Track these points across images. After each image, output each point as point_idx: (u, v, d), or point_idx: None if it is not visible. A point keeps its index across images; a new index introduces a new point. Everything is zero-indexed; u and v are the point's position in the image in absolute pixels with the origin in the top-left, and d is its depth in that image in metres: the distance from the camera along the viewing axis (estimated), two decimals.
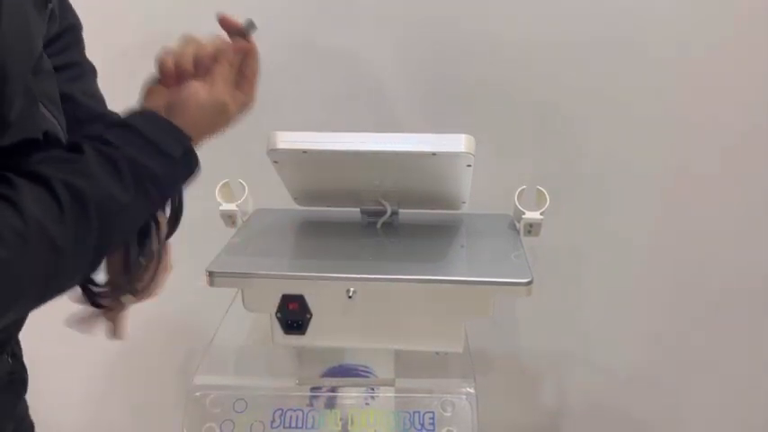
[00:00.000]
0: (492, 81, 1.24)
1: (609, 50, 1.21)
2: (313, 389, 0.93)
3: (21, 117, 0.55)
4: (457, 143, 0.87)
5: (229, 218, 1.04)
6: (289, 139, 0.90)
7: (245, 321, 0.83)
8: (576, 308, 1.38)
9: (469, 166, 0.91)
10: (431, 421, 0.83)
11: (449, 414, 0.83)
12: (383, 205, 1.03)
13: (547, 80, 1.24)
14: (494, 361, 1.39)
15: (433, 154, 0.88)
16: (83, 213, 0.56)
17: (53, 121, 0.63)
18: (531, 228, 1.00)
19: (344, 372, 0.98)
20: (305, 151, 0.90)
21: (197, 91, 0.68)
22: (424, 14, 1.21)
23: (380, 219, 1.04)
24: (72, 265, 0.57)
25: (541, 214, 0.99)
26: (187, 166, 0.66)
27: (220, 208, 1.02)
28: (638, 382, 1.42)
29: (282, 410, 0.85)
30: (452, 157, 0.89)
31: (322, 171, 0.99)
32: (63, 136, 0.65)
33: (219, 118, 0.71)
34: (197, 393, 0.84)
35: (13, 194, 0.52)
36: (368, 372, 0.98)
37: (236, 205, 1.03)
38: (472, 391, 0.85)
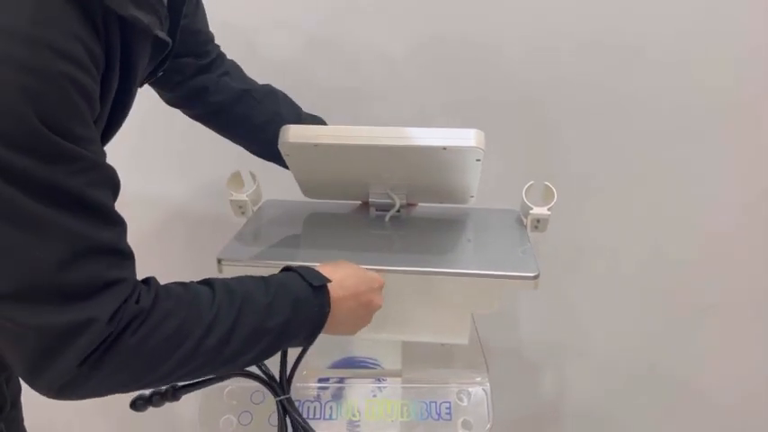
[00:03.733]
0: (501, 78, 1.25)
1: (615, 49, 1.23)
2: (321, 380, 0.94)
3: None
4: (467, 138, 0.88)
5: (239, 208, 1.04)
6: (300, 133, 0.91)
7: None
8: (576, 302, 1.39)
9: (479, 160, 0.92)
10: (447, 410, 0.84)
11: (465, 404, 0.85)
12: (392, 198, 1.04)
13: (555, 78, 1.25)
14: (494, 354, 1.41)
15: (444, 148, 0.89)
16: (230, 298, 0.66)
17: None
18: (539, 223, 1.01)
19: (352, 364, 0.99)
20: (316, 145, 0.91)
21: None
22: (434, 11, 1.22)
23: (389, 212, 1.05)
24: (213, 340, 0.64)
25: (549, 210, 1.00)
26: (320, 297, 0.73)
27: (230, 198, 1.03)
28: (637, 376, 1.45)
29: (300, 402, 0.86)
30: (462, 151, 0.90)
31: (332, 164, 0.99)
32: None
33: (363, 318, 0.81)
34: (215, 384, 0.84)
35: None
36: (375, 364, 0.99)
37: (246, 195, 1.03)
38: (487, 381, 0.86)
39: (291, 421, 0.80)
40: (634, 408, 1.47)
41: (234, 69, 1.04)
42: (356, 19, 1.23)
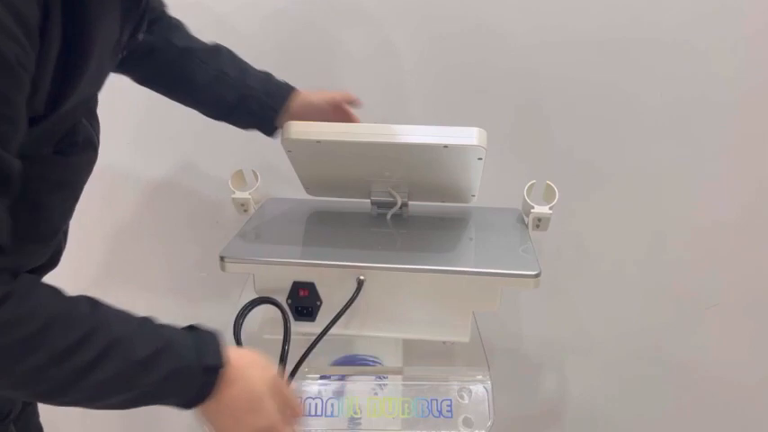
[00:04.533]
0: (503, 76, 1.26)
1: (617, 48, 1.23)
2: (322, 377, 0.94)
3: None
4: (469, 136, 0.89)
5: (242, 206, 1.04)
6: (303, 130, 0.91)
7: (255, 312, 0.84)
8: (577, 301, 1.40)
9: (480, 159, 0.92)
10: (448, 408, 0.84)
11: (466, 401, 0.85)
12: (393, 197, 1.04)
13: (557, 76, 1.25)
14: (496, 352, 1.41)
15: (445, 146, 0.89)
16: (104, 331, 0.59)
17: (90, 131, 0.72)
18: (540, 222, 1.01)
19: (353, 361, 1.00)
20: (318, 141, 0.91)
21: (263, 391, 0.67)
22: (437, 9, 1.22)
23: (390, 210, 1.06)
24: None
25: (550, 209, 1.00)
26: (208, 377, 0.63)
27: (233, 196, 1.03)
28: (639, 375, 1.45)
29: (301, 399, 0.86)
30: (464, 149, 0.90)
31: (334, 161, 0.99)
32: (96, 141, 0.74)
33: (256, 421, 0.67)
34: None
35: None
36: (377, 362, 0.99)
37: (249, 194, 1.04)
38: (488, 378, 0.87)
39: None
40: (636, 407, 1.48)
41: (177, 28, 0.99)
42: (359, 16, 1.23)
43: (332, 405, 0.88)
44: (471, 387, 0.87)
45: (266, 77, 1.02)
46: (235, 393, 0.65)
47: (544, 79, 1.25)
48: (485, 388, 0.87)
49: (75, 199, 0.75)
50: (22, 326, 0.55)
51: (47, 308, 0.57)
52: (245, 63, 1.02)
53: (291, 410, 0.71)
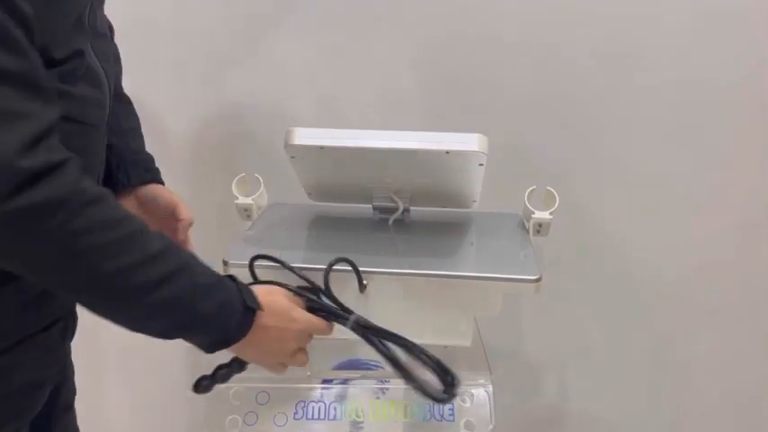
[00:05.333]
0: (503, 82, 1.27)
1: (618, 54, 1.24)
2: (324, 381, 0.95)
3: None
4: (470, 142, 0.89)
5: (245, 211, 1.05)
6: (305, 135, 0.92)
7: None
8: (579, 305, 1.40)
9: (481, 165, 0.93)
10: (450, 412, 0.85)
11: (468, 405, 0.86)
12: (395, 202, 1.05)
13: (556, 82, 1.26)
14: (497, 356, 1.41)
15: (447, 152, 0.90)
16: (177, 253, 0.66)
17: (97, 66, 0.71)
18: (540, 227, 1.02)
19: (355, 365, 1.00)
20: (321, 147, 0.92)
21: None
22: (437, 15, 1.23)
23: (392, 215, 1.06)
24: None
25: (551, 214, 1.01)
26: (246, 317, 0.71)
27: (236, 201, 1.04)
28: (640, 379, 1.45)
29: (305, 402, 0.87)
30: (465, 155, 0.91)
31: (337, 167, 1.00)
32: (105, 81, 0.73)
33: (277, 356, 0.79)
34: (221, 385, 0.85)
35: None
36: (379, 365, 0.99)
37: (252, 199, 1.04)
38: (489, 382, 0.88)
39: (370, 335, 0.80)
40: (637, 412, 1.48)
41: None
42: (362, 24, 1.24)
43: (334, 409, 0.88)
44: (473, 391, 0.87)
45: (147, 155, 1.01)
46: (265, 335, 0.74)
47: (545, 84, 1.26)
48: (486, 392, 0.87)
49: (90, 147, 0.74)
50: (113, 228, 0.59)
51: (132, 217, 0.62)
52: (140, 133, 1.01)
53: (308, 329, 0.80)
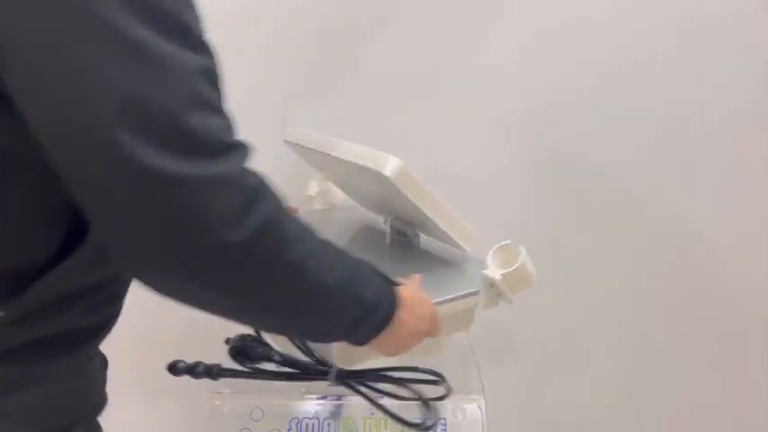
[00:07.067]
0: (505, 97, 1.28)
1: (617, 64, 1.26)
2: (319, 397, 0.95)
3: None
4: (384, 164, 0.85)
5: None
6: (295, 134, 0.93)
7: None
8: (573, 319, 1.40)
9: None
10: (443, 427, 0.86)
11: (460, 420, 0.86)
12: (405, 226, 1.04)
13: (556, 92, 1.28)
14: (490, 371, 1.41)
15: (363, 167, 0.88)
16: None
17: None
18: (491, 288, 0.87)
19: None
20: (309, 149, 0.93)
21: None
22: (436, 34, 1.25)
23: (402, 237, 1.05)
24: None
25: (501, 275, 0.85)
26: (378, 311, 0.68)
27: None
28: (636, 393, 1.45)
29: (299, 419, 0.88)
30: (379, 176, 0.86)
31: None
32: None
33: (415, 341, 0.75)
34: (216, 402, 0.86)
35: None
36: None
37: None
38: (482, 398, 0.88)
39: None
40: (633, 425, 1.48)
41: None
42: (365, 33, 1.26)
43: (328, 425, 0.89)
44: (465, 406, 0.88)
45: None
46: (400, 330, 0.70)
47: (543, 93, 1.28)
48: (479, 407, 0.88)
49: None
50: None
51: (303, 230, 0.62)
52: None
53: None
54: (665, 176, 1.31)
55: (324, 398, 0.94)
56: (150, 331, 1.31)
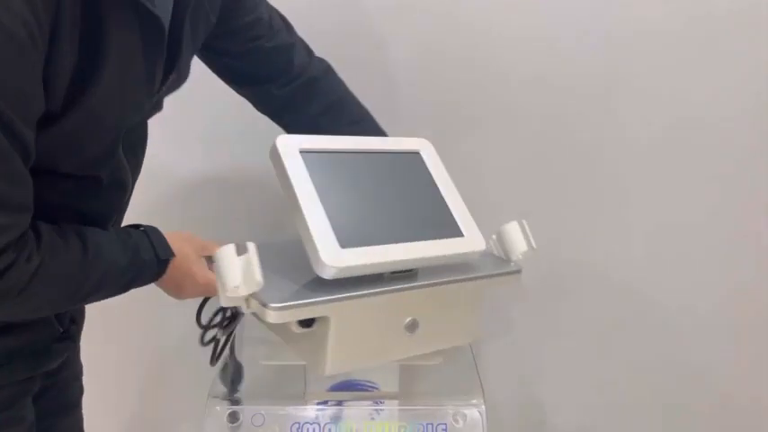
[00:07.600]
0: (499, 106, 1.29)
1: (611, 63, 1.27)
2: (319, 403, 0.95)
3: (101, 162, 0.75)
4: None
5: None
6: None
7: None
8: (569, 323, 1.41)
9: None
10: None
11: (460, 425, 0.86)
12: None
13: (551, 92, 1.29)
14: (490, 376, 1.41)
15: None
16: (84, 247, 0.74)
17: (126, 169, 0.82)
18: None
19: (350, 387, 1.00)
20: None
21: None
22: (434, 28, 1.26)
23: None
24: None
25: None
26: (160, 267, 0.83)
27: None
28: (634, 397, 1.45)
29: (299, 424, 0.88)
30: None
31: None
32: (128, 180, 0.83)
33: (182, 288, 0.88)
34: (216, 407, 0.86)
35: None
36: (373, 386, 1.00)
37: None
38: (482, 403, 0.88)
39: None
40: (633, 426, 1.48)
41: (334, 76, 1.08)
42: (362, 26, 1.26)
43: (329, 430, 0.89)
44: (466, 411, 0.88)
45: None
46: (177, 273, 0.85)
47: (538, 93, 1.28)
48: (479, 412, 0.88)
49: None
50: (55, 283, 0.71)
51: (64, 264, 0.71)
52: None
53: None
54: (665, 176, 1.32)
55: (324, 403, 0.94)
56: (151, 333, 1.32)
